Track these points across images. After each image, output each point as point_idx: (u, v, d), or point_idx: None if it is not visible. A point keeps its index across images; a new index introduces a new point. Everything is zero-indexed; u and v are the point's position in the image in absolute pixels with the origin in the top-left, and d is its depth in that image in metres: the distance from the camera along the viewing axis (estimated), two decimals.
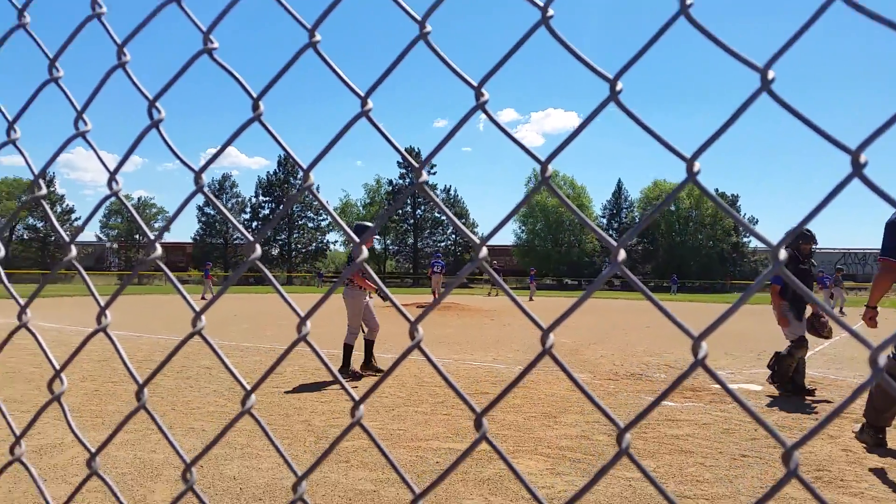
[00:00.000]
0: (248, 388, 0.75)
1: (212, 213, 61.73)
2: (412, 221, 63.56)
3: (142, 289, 39.29)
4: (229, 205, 63.30)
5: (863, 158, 0.60)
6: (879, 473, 3.87)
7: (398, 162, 62.76)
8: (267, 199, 63.74)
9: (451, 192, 65.24)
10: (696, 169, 0.69)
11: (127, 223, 61.35)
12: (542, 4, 0.73)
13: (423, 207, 62.36)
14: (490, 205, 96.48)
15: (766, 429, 0.57)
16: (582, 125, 0.74)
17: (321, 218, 63.81)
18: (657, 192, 59.36)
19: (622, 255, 0.71)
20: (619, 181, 65.33)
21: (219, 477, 3.64)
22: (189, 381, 6.57)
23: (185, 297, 0.81)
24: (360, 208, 64.17)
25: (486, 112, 0.75)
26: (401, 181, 63.26)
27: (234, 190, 64.26)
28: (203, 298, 25.48)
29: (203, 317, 0.77)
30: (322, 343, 10.47)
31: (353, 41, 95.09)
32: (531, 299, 31.17)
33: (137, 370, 0.85)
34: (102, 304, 0.83)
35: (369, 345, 7.41)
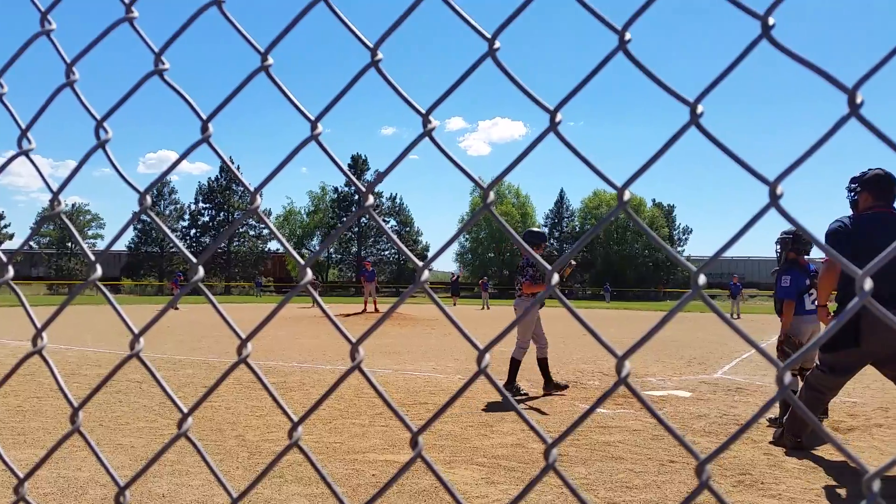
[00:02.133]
0: (185, 410, 0.75)
1: (147, 220, 59.38)
2: (356, 230, 63.02)
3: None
4: (167, 211, 61.08)
5: (779, 190, 0.65)
6: (797, 475, 4.09)
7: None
8: (207, 205, 61.79)
9: (397, 201, 65.13)
10: (626, 198, 0.74)
11: (59, 230, 58.19)
12: (489, 36, 0.77)
13: (367, 216, 61.69)
14: (436, 213, 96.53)
15: (681, 443, 0.62)
16: (522, 154, 0.78)
17: (262, 226, 62.37)
18: (597, 201, 61.08)
19: (556, 279, 0.75)
20: (562, 190, 66.78)
21: (147, 494, 3.52)
22: (118, 396, 6.31)
23: (123, 319, 0.80)
24: (304, 216, 63.18)
25: (433, 140, 0.78)
26: (346, 188, 62.60)
27: (173, 196, 62.05)
28: (176, 308, 24.80)
29: (142, 339, 0.77)
30: (258, 355, 10.24)
31: (304, 55, 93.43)
32: (483, 308, 31.57)
33: (64, 385, 0.83)
34: (39, 324, 0.81)
35: (544, 364, 6.93)
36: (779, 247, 5.83)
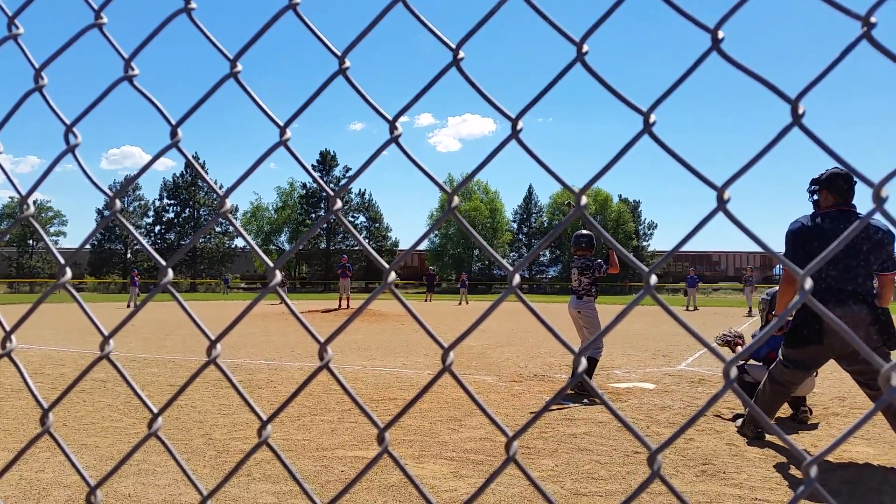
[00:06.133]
0: (156, 410, 0.76)
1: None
2: (325, 226, 62.66)
3: (33, 297, 36.41)
4: (131, 208, 59.92)
5: (726, 195, 0.69)
6: (757, 464, 4.22)
7: (313, 165, 61.62)
8: (172, 202, 60.81)
9: (366, 197, 65.00)
10: (583, 202, 0.77)
11: (21, 227, 56.49)
12: (453, 46, 0.79)
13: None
14: (405, 208, 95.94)
15: (632, 433, 0.66)
16: (485, 160, 0.81)
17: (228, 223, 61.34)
18: (565, 197, 61.82)
19: (517, 279, 0.78)
20: (530, 186, 67.31)
21: (113, 495, 3.48)
22: (82, 395, 6.19)
23: (94, 322, 0.80)
24: (273, 212, 62.58)
25: (399, 146, 0.80)
26: (315, 185, 62.16)
27: (138, 193, 60.82)
28: (128, 307, 25.28)
29: (111, 340, 0.78)
30: (225, 353, 10.12)
31: (273, 57, 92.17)
32: (461, 304, 31.81)
33: (34, 387, 0.84)
34: (7, 327, 0.81)
35: (593, 364, 6.77)
36: None
